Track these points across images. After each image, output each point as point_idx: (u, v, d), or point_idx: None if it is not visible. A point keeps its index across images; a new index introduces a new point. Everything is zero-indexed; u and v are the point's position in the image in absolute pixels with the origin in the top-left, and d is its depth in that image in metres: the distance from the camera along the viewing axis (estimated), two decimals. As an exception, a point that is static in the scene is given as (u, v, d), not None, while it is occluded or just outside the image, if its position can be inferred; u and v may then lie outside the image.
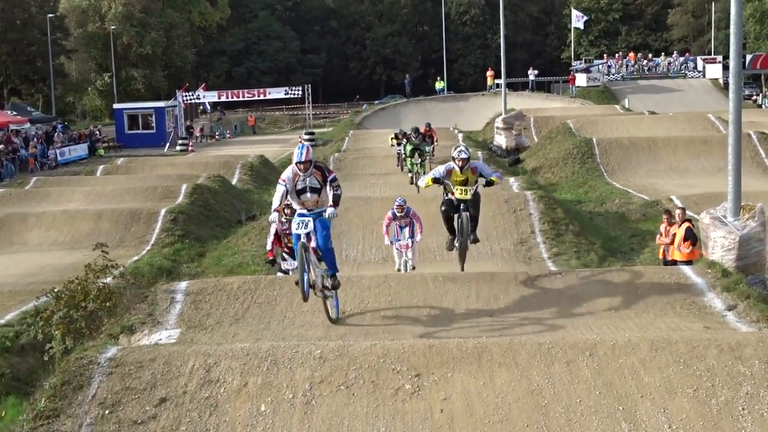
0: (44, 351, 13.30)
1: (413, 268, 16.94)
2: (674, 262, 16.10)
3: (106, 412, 9.51)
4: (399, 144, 31.24)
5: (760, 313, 12.28)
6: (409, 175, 23.07)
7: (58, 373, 10.36)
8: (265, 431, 9.23)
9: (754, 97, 69.36)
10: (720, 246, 15.57)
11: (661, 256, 17.30)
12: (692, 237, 16.23)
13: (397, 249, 17.25)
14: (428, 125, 31.94)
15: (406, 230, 16.93)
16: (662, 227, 17.27)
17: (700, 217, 16.65)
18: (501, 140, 42.92)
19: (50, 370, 11.17)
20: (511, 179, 29.37)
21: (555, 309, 12.87)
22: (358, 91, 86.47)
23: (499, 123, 44.14)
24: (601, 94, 67.64)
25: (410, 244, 16.98)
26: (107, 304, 13.91)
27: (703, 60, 73.10)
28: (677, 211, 17.16)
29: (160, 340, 11.81)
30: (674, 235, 16.53)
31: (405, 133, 31.00)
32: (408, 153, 24.30)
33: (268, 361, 10.09)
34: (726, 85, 51.95)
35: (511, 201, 22.69)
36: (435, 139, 31.57)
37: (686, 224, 16.49)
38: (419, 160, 24.92)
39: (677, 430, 8.86)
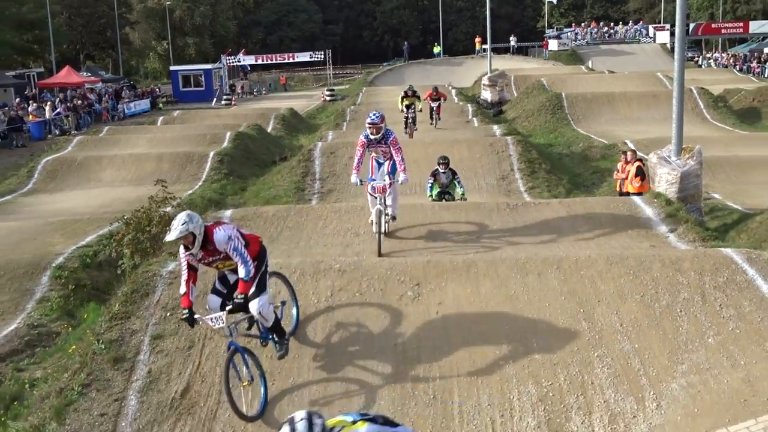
0: (117, 266, 13.50)
1: (393, 218, 12.53)
2: (628, 194, 16.15)
3: (168, 314, 9.69)
4: (408, 108, 26.11)
5: (696, 234, 12.40)
6: None
7: (129, 283, 10.51)
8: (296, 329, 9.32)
9: (696, 59, 68.93)
10: (665, 180, 15.67)
11: (617, 189, 17.34)
12: (642, 173, 16.25)
13: (370, 193, 12.15)
14: (435, 89, 29.25)
15: (385, 165, 12.27)
16: (619, 165, 17.26)
17: (649, 157, 16.69)
18: (487, 95, 42.74)
19: (122, 282, 11.31)
20: (495, 126, 29.34)
21: (530, 231, 12.93)
22: (369, 56, 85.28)
23: (485, 81, 43.87)
24: (569, 56, 67.11)
25: (388, 187, 12.01)
26: (167, 228, 13.99)
27: (654, 28, 72.76)
28: (629, 152, 17.18)
29: (210, 257, 11.91)
30: (628, 171, 16.57)
31: (414, 91, 27.05)
32: (434, 198, 15.09)
33: (297, 273, 10.18)
34: (672, 48, 51.20)
35: (495, 144, 22.67)
36: (443, 98, 29.66)
37: (637, 163, 16.50)
38: None
39: (627, 327, 9.01)
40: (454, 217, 13.42)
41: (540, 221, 13.32)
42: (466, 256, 10.90)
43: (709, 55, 71.58)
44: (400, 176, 12.13)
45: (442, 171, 15.22)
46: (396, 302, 9.68)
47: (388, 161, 12.27)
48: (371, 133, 11.96)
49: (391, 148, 12.08)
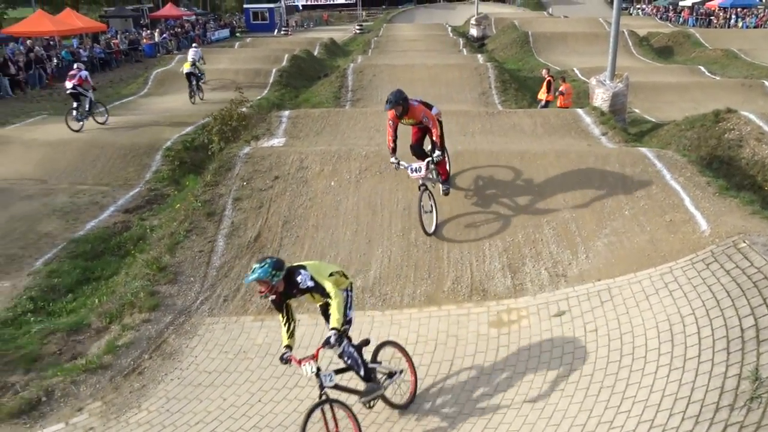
0: (208, 149, 13.44)
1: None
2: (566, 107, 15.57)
3: (244, 183, 9.66)
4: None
5: (621, 137, 12.19)
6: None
7: (217, 161, 10.51)
8: (334, 196, 9.33)
9: (628, 9, 66.01)
10: (600, 98, 15.31)
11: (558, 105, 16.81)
12: (549, 87, 15.63)
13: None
14: (421, 102, 8.46)
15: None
16: (559, 87, 16.58)
17: (590, 80, 16.20)
18: (473, 31, 41.10)
19: (212, 160, 11.32)
20: (479, 56, 28.34)
21: (502, 131, 12.68)
22: (389, 0, 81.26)
23: (472, 21, 42.12)
24: (535, 4, 64.14)
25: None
26: (243, 122, 13.88)
27: (599, -15, 69.40)
28: (546, 72, 16.64)
29: (274, 144, 11.81)
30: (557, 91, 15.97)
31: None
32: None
33: (335, 157, 10.09)
34: (611, 1, 49.08)
35: (478, 68, 21.94)
36: (429, 118, 8.31)
37: (547, 78, 15.86)
38: None
39: (568, 201, 8.90)
40: (449, 121, 13.10)
41: (509, 125, 13.04)
42: (454, 149, 10.70)
43: (638, 6, 68.33)
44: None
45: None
46: (405, 180, 9.49)
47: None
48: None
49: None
